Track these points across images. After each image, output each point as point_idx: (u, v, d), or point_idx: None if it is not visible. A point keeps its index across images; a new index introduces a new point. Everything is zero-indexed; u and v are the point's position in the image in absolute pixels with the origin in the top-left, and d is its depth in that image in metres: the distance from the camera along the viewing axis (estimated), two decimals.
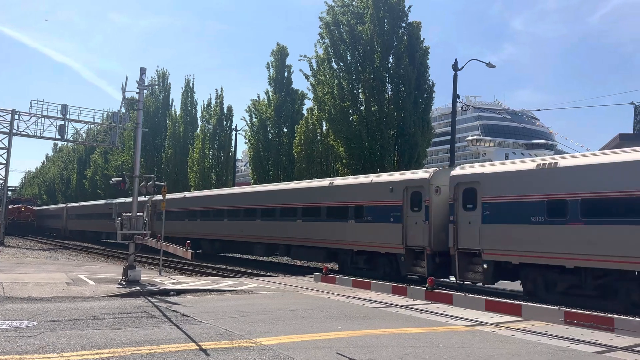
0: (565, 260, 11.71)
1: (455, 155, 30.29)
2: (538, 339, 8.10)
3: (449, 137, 30.26)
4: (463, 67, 28.05)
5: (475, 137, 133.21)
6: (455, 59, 27.99)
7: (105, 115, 47.03)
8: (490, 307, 4.69)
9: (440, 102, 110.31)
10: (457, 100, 28.59)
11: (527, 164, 13.84)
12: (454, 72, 28.04)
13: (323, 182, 21.88)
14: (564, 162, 12.93)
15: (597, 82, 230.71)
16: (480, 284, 14.28)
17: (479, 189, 14.17)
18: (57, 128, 34.68)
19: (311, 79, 32.94)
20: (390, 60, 29.39)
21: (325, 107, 31.22)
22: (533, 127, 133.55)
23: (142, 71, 15.61)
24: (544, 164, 13.12)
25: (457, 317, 9.88)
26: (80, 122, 35.90)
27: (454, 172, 15.45)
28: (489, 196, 13.84)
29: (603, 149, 60.33)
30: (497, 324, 9.22)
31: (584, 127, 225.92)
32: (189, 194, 33.31)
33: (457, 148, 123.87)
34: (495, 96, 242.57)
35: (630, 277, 11.29)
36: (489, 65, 28.27)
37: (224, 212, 27.02)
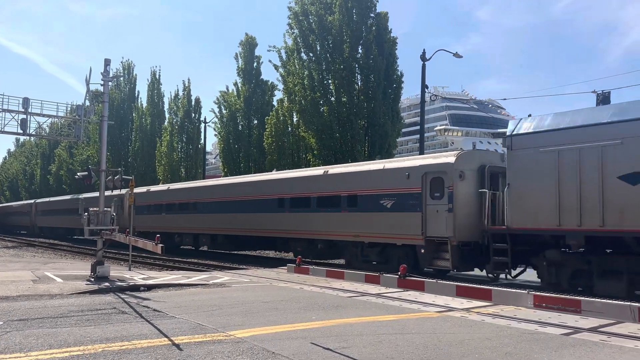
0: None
1: (425, 145, 30.62)
2: (507, 322, 8.30)
3: (418, 127, 30.58)
4: (431, 57, 28.28)
5: (443, 127, 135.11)
6: (423, 50, 28.20)
7: (69, 109, 45.59)
8: (461, 293, 4.79)
9: (409, 92, 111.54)
10: (426, 90, 28.85)
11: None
12: (422, 63, 28.28)
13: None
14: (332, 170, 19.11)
15: (561, 71, 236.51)
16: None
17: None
18: (19, 122, 33.54)
19: (281, 70, 32.75)
20: (360, 50, 29.48)
21: (296, 98, 31.13)
22: (499, 116, 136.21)
23: (107, 62, 15.23)
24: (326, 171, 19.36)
25: (428, 303, 10.04)
26: (43, 115, 34.66)
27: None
28: None
29: None
30: (468, 309, 9.41)
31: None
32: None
33: (427, 138, 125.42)
34: (463, 86, 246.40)
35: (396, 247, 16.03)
36: (456, 55, 28.59)
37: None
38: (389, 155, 29.85)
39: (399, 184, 16.36)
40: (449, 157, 15.63)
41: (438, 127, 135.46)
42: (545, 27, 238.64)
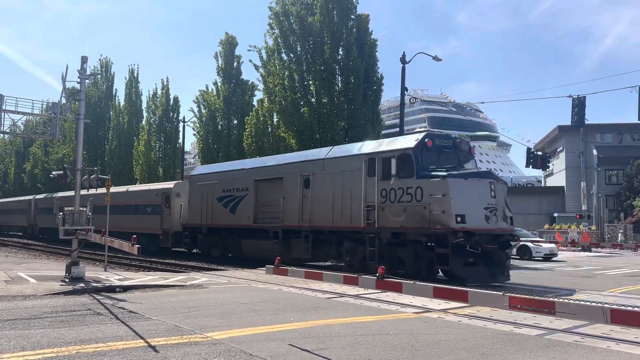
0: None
1: None
2: (483, 324, 8.40)
3: (398, 129, 30.76)
4: (410, 60, 28.50)
5: (422, 129, 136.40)
6: (403, 52, 28.40)
7: (44, 106, 44.58)
8: (438, 294, 4.82)
9: (389, 94, 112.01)
10: (405, 93, 29.07)
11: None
12: (402, 65, 28.48)
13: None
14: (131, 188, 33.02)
15: (538, 75, 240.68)
16: None
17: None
18: None
19: (261, 70, 32.64)
20: (340, 52, 29.56)
21: (276, 99, 31.05)
22: (477, 120, 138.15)
23: (84, 60, 15.00)
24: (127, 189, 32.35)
25: (406, 304, 10.11)
26: (18, 113, 33.95)
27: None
28: None
29: (543, 140, 62.79)
30: (445, 310, 9.50)
31: (525, 119, 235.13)
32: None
33: None
34: (442, 89, 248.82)
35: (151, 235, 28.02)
36: (436, 58, 28.88)
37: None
38: None
39: (153, 198, 28.94)
40: (172, 184, 28.99)
41: (417, 129, 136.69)
42: (522, 31, 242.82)
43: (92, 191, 17.17)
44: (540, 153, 36.06)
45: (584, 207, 43.91)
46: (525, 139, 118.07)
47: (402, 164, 14.97)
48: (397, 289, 5.55)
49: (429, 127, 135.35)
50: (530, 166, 34.99)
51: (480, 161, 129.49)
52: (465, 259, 13.47)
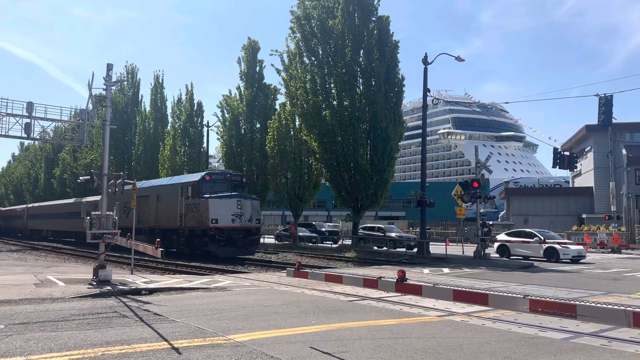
0: None
1: (428, 149, 30.64)
2: (508, 327, 8.29)
3: (420, 130, 30.58)
4: (433, 61, 28.39)
5: (446, 130, 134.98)
6: (425, 53, 28.29)
7: (72, 113, 45.76)
8: (458, 297, 4.79)
9: (412, 96, 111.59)
10: (428, 94, 28.92)
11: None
12: (424, 66, 28.33)
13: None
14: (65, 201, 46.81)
15: (564, 74, 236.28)
16: None
17: None
18: (23, 126, 33.75)
19: (283, 74, 32.83)
20: (361, 54, 29.52)
21: (298, 102, 31.18)
22: (502, 120, 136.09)
23: (109, 67, 15.31)
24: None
25: (429, 307, 10.04)
26: (47, 119, 34.87)
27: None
28: None
29: (570, 140, 61.61)
30: (468, 314, 9.40)
31: (552, 118, 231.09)
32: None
33: (430, 141, 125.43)
34: (466, 89, 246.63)
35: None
36: (458, 59, 28.65)
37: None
38: (390, 158, 29.86)
39: (73, 208, 40.49)
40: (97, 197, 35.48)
41: (441, 131, 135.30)
42: (547, 30, 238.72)
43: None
44: (567, 153, 35.40)
45: (613, 208, 42.85)
46: (552, 138, 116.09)
47: (193, 190, 25.61)
48: (417, 292, 5.52)
49: (453, 128, 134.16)
50: (557, 166, 34.41)
51: (507, 162, 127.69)
52: (219, 243, 24.37)
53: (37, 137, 30.27)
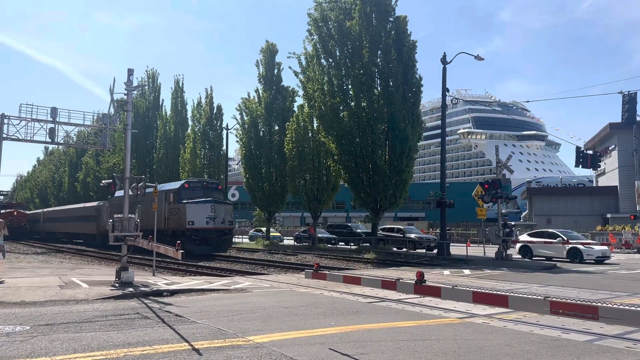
0: None
1: (447, 149, 30.41)
2: (530, 329, 8.19)
3: (440, 130, 30.38)
4: (452, 60, 28.19)
5: (466, 130, 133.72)
6: (444, 53, 28.12)
7: (95, 117, 46.80)
8: (478, 299, 4.74)
9: (431, 95, 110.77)
10: (447, 93, 28.74)
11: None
12: (442, 66, 28.14)
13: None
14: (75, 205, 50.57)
15: (587, 71, 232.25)
16: None
17: None
18: (47, 131, 34.47)
19: (301, 76, 32.95)
20: (379, 55, 29.45)
21: (316, 104, 31.24)
22: (524, 119, 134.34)
23: (130, 72, 15.52)
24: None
25: (449, 309, 9.96)
26: (71, 124, 35.59)
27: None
28: None
29: (594, 138, 60.53)
30: (489, 316, 9.30)
31: (575, 117, 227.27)
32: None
33: (449, 141, 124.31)
34: (486, 88, 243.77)
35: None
36: (478, 58, 28.39)
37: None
38: (409, 159, 29.71)
39: (89, 212, 42.04)
40: (99, 202, 41.96)
41: (461, 130, 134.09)
42: (568, 27, 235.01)
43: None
44: (590, 152, 34.76)
45: (638, 208, 41.95)
46: (575, 137, 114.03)
47: (174, 196, 29.05)
48: (436, 293, 5.48)
49: (473, 128, 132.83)
50: (580, 166, 33.78)
51: (528, 161, 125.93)
52: (195, 242, 27.32)
53: (61, 141, 30.80)
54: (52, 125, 32.43)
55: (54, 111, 31.92)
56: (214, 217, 28.67)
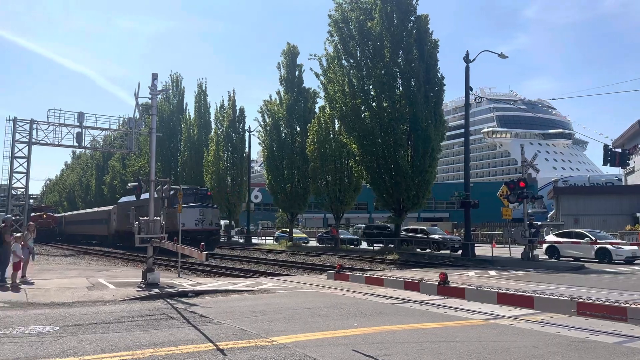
0: None
1: (471, 148, 30.03)
2: (557, 330, 8.04)
3: (463, 129, 30.05)
4: (475, 58, 27.87)
5: (491, 129, 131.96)
6: (467, 51, 27.75)
7: (121, 122, 47.73)
8: (502, 300, 4.66)
9: (454, 95, 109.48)
10: (471, 92, 28.40)
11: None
12: (465, 64, 27.85)
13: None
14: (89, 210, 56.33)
15: (615, 68, 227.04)
16: None
17: None
18: (75, 136, 35.26)
19: (322, 78, 32.98)
20: (400, 55, 29.27)
21: (337, 105, 31.23)
22: (550, 117, 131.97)
23: (154, 77, 15.73)
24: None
25: (474, 311, 9.85)
26: (97, 129, 36.48)
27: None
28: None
29: (623, 136, 59.25)
30: (515, 317, 9.17)
31: (603, 114, 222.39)
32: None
33: (473, 140, 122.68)
34: (510, 86, 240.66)
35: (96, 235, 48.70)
36: (501, 55, 28.01)
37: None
38: (432, 159, 29.46)
39: (102, 215, 45.76)
40: (110, 207, 45.88)
41: (485, 129, 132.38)
42: (595, 23, 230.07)
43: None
44: (619, 150, 33.95)
45: None
46: (603, 135, 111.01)
47: (169, 202, 33.07)
48: (460, 294, 5.42)
49: (498, 126, 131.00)
50: (608, 164, 33.01)
51: (555, 160, 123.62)
52: (187, 243, 28.19)
53: (88, 145, 31.38)
54: (79, 130, 33.28)
55: (80, 116, 32.69)
56: (203, 220, 32.72)
